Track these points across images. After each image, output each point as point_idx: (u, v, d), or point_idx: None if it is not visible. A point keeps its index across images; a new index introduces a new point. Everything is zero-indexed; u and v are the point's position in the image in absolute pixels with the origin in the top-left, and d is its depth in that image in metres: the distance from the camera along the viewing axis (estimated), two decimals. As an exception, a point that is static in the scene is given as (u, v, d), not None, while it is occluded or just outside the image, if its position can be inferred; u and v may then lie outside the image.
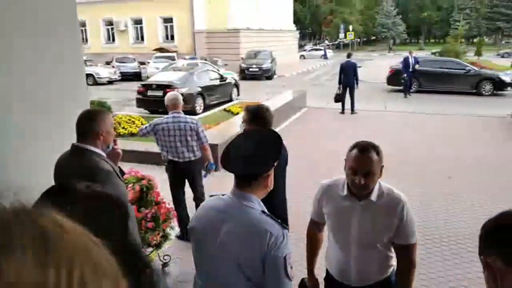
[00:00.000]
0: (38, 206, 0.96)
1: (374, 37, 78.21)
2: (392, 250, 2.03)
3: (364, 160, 1.85)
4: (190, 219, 1.74)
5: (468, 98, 14.75)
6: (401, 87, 15.64)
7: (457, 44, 24.59)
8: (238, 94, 15.01)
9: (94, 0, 27.88)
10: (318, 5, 65.23)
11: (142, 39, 29.96)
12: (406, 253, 1.99)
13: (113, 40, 31.00)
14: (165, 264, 3.71)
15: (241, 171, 1.62)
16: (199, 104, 12.20)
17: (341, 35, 48.03)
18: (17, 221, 0.37)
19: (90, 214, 0.89)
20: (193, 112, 11.05)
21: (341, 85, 11.60)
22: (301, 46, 52.21)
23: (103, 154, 2.30)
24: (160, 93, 10.84)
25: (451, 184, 6.01)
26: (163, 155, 4.25)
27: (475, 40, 50.24)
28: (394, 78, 16.44)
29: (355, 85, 11.59)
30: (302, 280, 2.30)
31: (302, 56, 42.01)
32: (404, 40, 72.50)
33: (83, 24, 29.89)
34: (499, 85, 15.49)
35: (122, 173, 2.53)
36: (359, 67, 13.49)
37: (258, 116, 2.60)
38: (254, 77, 21.88)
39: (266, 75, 22.36)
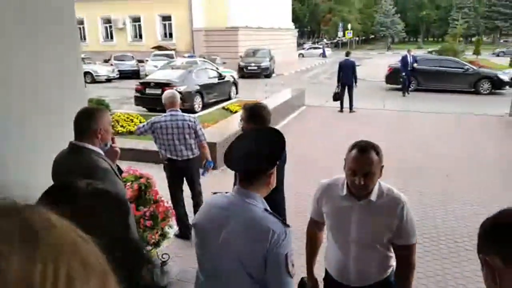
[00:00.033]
0: (39, 204, 0.97)
1: (372, 36, 78.32)
2: (392, 250, 2.02)
3: (363, 160, 1.83)
4: (194, 216, 1.74)
5: (466, 97, 14.77)
6: (399, 86, 15.65)
7: (455, 43, 24.60)
8: (237, 93, 15.00)
9: (92, -3, 27.82)
10: (317, 4, 65.23)
11: (141, 37, 29.89)
12: (406, 254, 1.97)
13: (111, 38, 30.92)
14: (164, 263, 3.70)
15: (244, 169, 1.64)
16: (197, 102, 12.18)
17: (340, 34, 48.03)
18: (5, 216, 0.37)
19: (92, 212, 0.91)
20: (191, 111, 11.02)
21: (339, 84, 11.61)
22: (300, 45, 52.20)
23: (101, 152, 2.29)
24: (158, 91, 10.81)
25: (449, 182, 6.02)
26: (161, 154, 4.24)
27: (473, 39, 50.29)
28: (392, 76, 16.46)
29: (354, 83, 11.59)
30: (302, 279, 2.30)
31: (301, 55, 42.01)
32: (402, 39, 72.61)
33: (81, 22, 29.79)
34: (497, 84, 15.53)
35: (120, 171, 2.52)
36: (358, 65, 13.49)
37: (256, 115, 2.61)
38: (252, 75, 21.86)
39: (264, 73, 22.34)
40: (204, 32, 27.64)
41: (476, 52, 32.47)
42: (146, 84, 12.08)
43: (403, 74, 15.06)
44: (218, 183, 5.62)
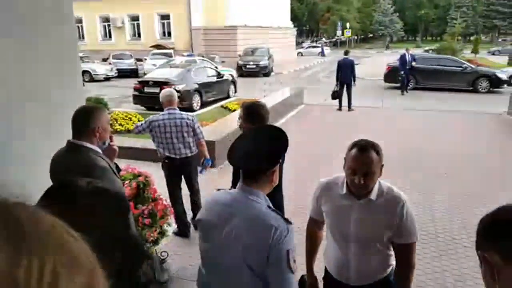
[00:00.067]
0: (41, 203, 0.98)
1: (371, 35, 78.34)
2: (392, 249, 2.01)
3: (363, 160, 1.82)
4: (192, 214, 1.76)
5: (464, 95, 14.80)
6: (398, 84, 15.68)
7: (454, 42, 24.62)
8: (235, 91, 14.99)
9: (91, -4, 27.75)
10: (316, 3, 65.19)
11: (139, 35, 29.84)
12: (406, 253, 1.96)
13: (110, 36, 30.86)
14: (162, 261, 3.70)
15: (248, 167, 1.66)
16: (196, 101, 12.17)
17: (339, 33, 47.94)
18: None
19: (92, 210, 0.93)
20: (190, 109, 11.03)
21: (338, 82, 11.61)
22: (299, 44, 52.18)
23: (99, 150, 2.29)
24: (157, 90, 10.79)
25: (446, 180, 6.03)
26: (160, 152, 4.24)
27: (471, 38, 50.35)
28: (391, 75, 16.48)
29: (353, 82, 11.60)
30: (302, 277, 2.28)
31: (300, 53, 42.00)
32: (401, 38, 72.65)
33: (79, 21, 29.71)
34: (495, 82, 15.56)
35: (118, 169, 2.52)
36: (357, 64, 13.49)
37: (254, 113, 2.61)
38: (251, 74, 21.85)
39: (263, 72, 22.33)
40: (203, 31, 27.60)
41: (475, 51, 32.53)
42: (145, 83, 12.07)
43: (402, 72, 15.08)
44: (217, 182, 5.62)
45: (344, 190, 1.94)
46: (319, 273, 2.30)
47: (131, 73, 21.80)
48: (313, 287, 2.28)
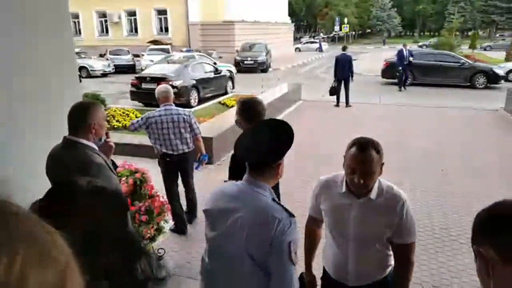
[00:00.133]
0: (42, 203, 0.98)
1: (369, 30, 78.17)
2: (391, 249, 1.98)
3: (363, 159, 1.78)
4: (207, 202, 1.81)
5: (462, 91, 14.82)
6: (395, 80, 15.68)
7: (451, 37, 24.56)
8: (233, 87, 14.96)
9: (87, -9, 27.57)
10: (314, -2, 65.00)
11: (136, 31, 29.67)
12: (405, 253, 1.94)
13: (107, 32, 30.68)
14: (159, 258, 3.70)
15: (254, 160, 1.69)
16: (193, 97, 12.14)
17: (336, 28, 47.80)
18: None
19: (92, 209, 0.95)
20: (187, 105, 11.00)
21: (336, 78, 11.60)
22: (297, 39, 52.03)
23: (95, 147, 2.28)
24: (154, 86, 10.64)
25: (443, 176, 6.05)
26: (156, 149, 4.22)
27: (469, 33, 50.33)
28: (388, 71, 16.47)
29: (350, 78, 11.59)
30: (301, 274, 2.27)
31: (298, 49, 41.90)
32: (399, 33, 72.56)
33: (76, 16, 29.55)
34: (492, 78, 15.58)
35: (115, 166, 2.51)
36: (354, 60, 13.48)
37: (250, 109, 2.60)
38: (249, 69, 21.80)
39: (261, 68, 22.30)
40: (200, 26, 27.48)
41: (472, 46, 32.52)
42: (142, 79, 12.03)
43: (399, 68, 15.08)
44: (214, 178, 5.62)
45: (344, 189, 1.91)
46: (317, 271, 2.29)
47: (129, 69, 21.73)
48: (312, 286, 2.27)
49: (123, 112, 9.62)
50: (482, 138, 8.34)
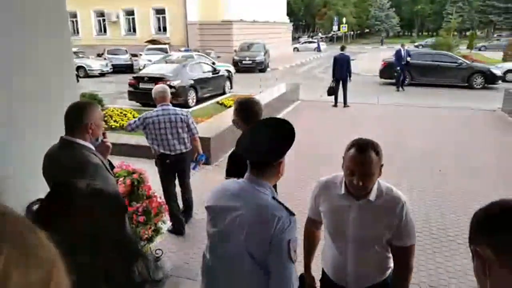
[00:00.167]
0: (42, 206, 0.98)
1: (367, 30, 78.26)
2: (390, 251, 1.97)
3: (362, 160, 1.76)
4: (208, 199, 1.84)
5: (459, 91, 14.85)
6: (393, 80, 15.69)
7: (449, 37, 24.63)
8: (231, 87, 14.95)
9: (85, -10, 27.51)
10: (312, -3, 65.04)
11: (134, 30, 29.64)
12: (404, 255, 1.92)
13: (105, 31, 30.63)
14: (157, 258, 3.69)
15: (255, 158, 1.71)
16: (191, 97, 12.12)
17: (335, 28, 47.84)
18: None
19: (90, 212, 0.95)
20: (185, 105, 10.98)
21: (334, 78, 11.61)
22: (295, 39, 52.05)
23: (92, 147, 2.27)
24: (152, 86, 10.64)
25: (441, 176, 6.06)
26: (154, 149, 4.21)
27: (467, 33, 50.41)
28: (386, 71, 16.49)
29: (348, 78, 11.60)
30: (301, 275, 2.26)
31: (296, 49, 41.92)
32: (397, 33, 72.66)
33: (74, 16, 29.50)
34: (490, 79, 15.61)
35: (112, 166, 2.50)
36: (353, 60, 13.49)
37: (248, 109, 2.59)
38: (247, 69, 21.79)
39: (259, 67, 22.28)
40: (199, 26, 27.46)
41: (470, 47, 32.60)
42: (140, 79, 11.99)
43: (398, 68, 15.09)
44: (211, 178, 5.61)
45: (343, 190, 1.90)
46: (316, 272, 2.27)
47: (127, 68, 21.66)
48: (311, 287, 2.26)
49: (121, 112, 9.60)
50: (479, 138, 8.36)
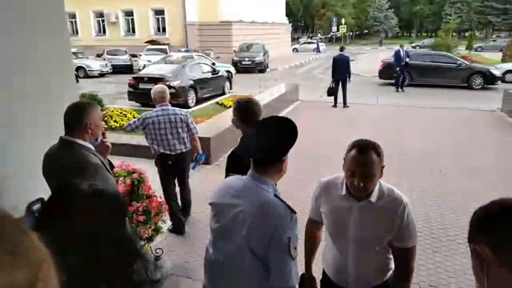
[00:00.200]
0: (45, 205, 0.99)
1: (366, 31, 78.33)
2: (391, 252, 1.95)
3: (363, 161, 1.75)
4: (212, 195, 1.86)
5: (459, 92, 14.87)
6: (392, 81, 15.71)
7: (448, 38, 24.66)
8: (231, 88, 14.95)
9: (84, -9, 27.51)
10: (311, -2, 65.09)
11: (134, 31, 29.64)
12: (405, 257, 1.90)
13: (104, 32, 30.63)
14: (157, 258, 3.70)
15: (258, 156, 1.72)
16: (191, 97, 12.12)
17: (334, 29, 47.93)
18: None
19: (92, 212, 0.96)
20: (185, 106, 10.99)
21: (334, 79, 11.62)
22: (295, 39, 52.08)
23: (91, 147, 2.27)
24: (152, 86, 10.67)
25: (441, 177, 6.06)
26: (154, 149, 4.21)
27: (466, 34, 50.50)
28: (386, 71, 16.51)
29: (348, 78, 11.61)
30: (302, 275, 2.23)
31: (295, 49, 41.96)
32: (396, 34, 72.71)
33: (73, 16, 29.50)
34: (489, 79, 15.64)
35: (112, 166, 2.50)
36: (352, 60, 13.50)
37: (247, 110, 2.60)
38: (246, 70, 21.80)
39: (258, 68, 22.28)
40: (198, 27, 27.47)
41: (469, 47, 32.65)
42: (140, 79, 12.00)
43: (397, 69, 15.11)
44: (211, 178, 5.62)
45: (344, 191, 1.88)
46: (317, 273, 2.26)
47: (126, 69, 21.67)
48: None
49: (121, 112, 9.59)
50: (479, 138, 8.37)
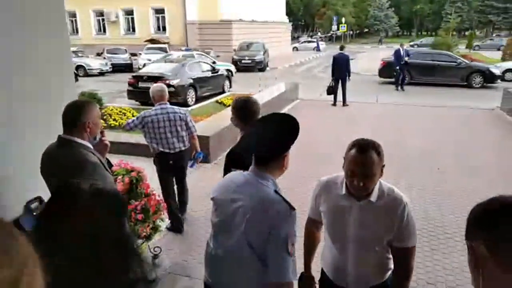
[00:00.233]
0: (46, 205, 1.00)
1: (366, 30, 78.24)
2: (390, 252, 1.95)
3: (363, 161, 1.74)
4: (214, 190, 1.88)
5: (458, 91, 14.87)
6: (392, 79, 15.71)
7: (448, 37, 24.62)
8: (230, 86, 14.95)
9: (84, -10, 27.49)
10: (311, -3, 65.00)
11: (133, 30, 29.62)
12: (405, 257, 1.90)
13: (104, 31, 30.61)
14: (155, 256, 3.70)
15: (259, 152, 1.74)
16: (190, 96, 12.13)
17: (334, 27, 47.85)
18: None
19: (92, 211, 0.97)
20: (185, 104, 10.99)
21: (333, 77, 11.61)
22: (295, 38, 52.03)
23: (90, 146, 2.27)
24: (151, 85, 10.73)
25: (439, 175, 6.07)
26: (153, 148, 4.22)
27: (466, 33, 50.43)
28: (385, 70, 16.52)
29: (347, 77, 11.61)
30: (302, 274, 2.23)
31: (295, 48, 41.91)
32: (396, 33, 72.62)
33: (73, 15, 29.49)
34: (489, 78, 15.63)
35: (110, 165, 2.50)
36: (352, 59, 13.49)
37: (246, 108, 2.61)
38: (246, 69, 21.79)
39: (258, 67, 22.27)
40: (198, 25, 27.44)
41: (469, 46, 32.62)
42: (139, 78, 12.00)
43: (397, 68, 15.11)
44: (210, 177, 5.62)
45: (344, 191, 1.87)
46: (316, 273, 2.26)
47: (126, 67, 21.67)
48: (310, 287, 2.24)
49: (120, 111, 9.60)
50: (478, 137, 8.38)
